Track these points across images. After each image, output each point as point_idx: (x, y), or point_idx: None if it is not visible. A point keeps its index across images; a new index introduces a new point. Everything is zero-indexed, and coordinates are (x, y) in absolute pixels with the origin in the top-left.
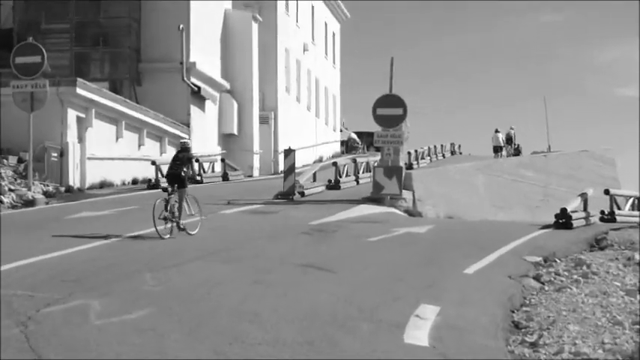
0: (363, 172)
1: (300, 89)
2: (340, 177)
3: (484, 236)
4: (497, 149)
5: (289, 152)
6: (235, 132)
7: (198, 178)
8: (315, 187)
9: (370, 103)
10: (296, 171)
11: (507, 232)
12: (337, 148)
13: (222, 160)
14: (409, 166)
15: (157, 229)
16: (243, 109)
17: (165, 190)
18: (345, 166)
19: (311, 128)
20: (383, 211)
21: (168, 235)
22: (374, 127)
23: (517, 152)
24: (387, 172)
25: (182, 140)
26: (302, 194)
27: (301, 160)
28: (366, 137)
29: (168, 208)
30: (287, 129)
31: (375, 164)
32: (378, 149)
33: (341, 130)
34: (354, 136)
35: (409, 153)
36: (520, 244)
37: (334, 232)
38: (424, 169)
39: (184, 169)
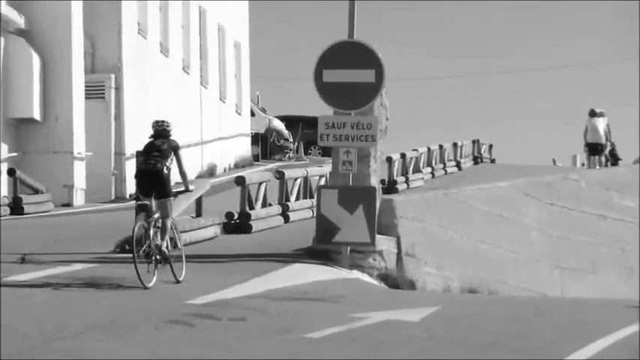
0: (297, 197)
1: (170, 32)
2: (253, 208)
3: (535, 334)
4: (595, 149)
5: None
6: (36, 116)
7: (191, 186)
8: (201, 227)
9: (310, 61)
10: None
11: (583, 324)
12: (246, 147)
13: (11, 174)
14: (389, 187)
15: (139, 274)
16: (51, 70)
17: (137, 199)
18: (262, 185)
19: (192, 109)
20: (337, 276)
21: (152, 282)
22: (317, 109)
23: (614, 158)
24: (346, 197)
25: (156, 120)
26: (174, 244)
27: (172, 172)
28: (303, 127)
29: (150, 234)
30: (143, 110)
31: (322, 182)
32: (326, 152)
33: (253, 114)
34: (279, 124)
35: (390, 160)
36: (610, 346)
37: (239, 320)
38: (420, 192)
39: (167, 165)
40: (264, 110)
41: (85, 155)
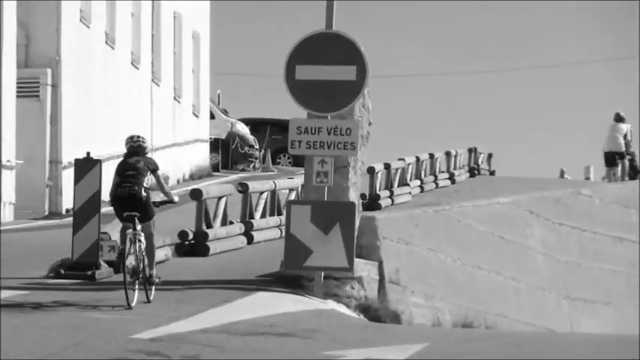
0: (264, 215)
1: (117, 21)
2: (211, 226)
3: None
4: (611, 159)
5: (88, 165)
6: None
7: (176, 198)
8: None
9: (281, 56)
10: (103, 211)
11: None
12: (204, 155)
13: None
14: (371, 203)
15: (127, 293)
16: None
17: (123, 220)
18: (222, 200)
19: (142, 110)
20: (309, 307)
21: (135, 301)
22: (288, 111)
23: (633, 170)
24: (320, 215)
25: (131, 135)
26: (118, 266)
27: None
28: (272, 133)
29: (136, 254)
30: (84, 111)
31: (292, 197)
32: (298, 161)
33: (213, 117)
34: (243, 129)
35: (372, 172)
36: None
37: (192, 359)
38: (407, 208)
39: (144, 186)
40: (225, 112)
41: (15, 164)
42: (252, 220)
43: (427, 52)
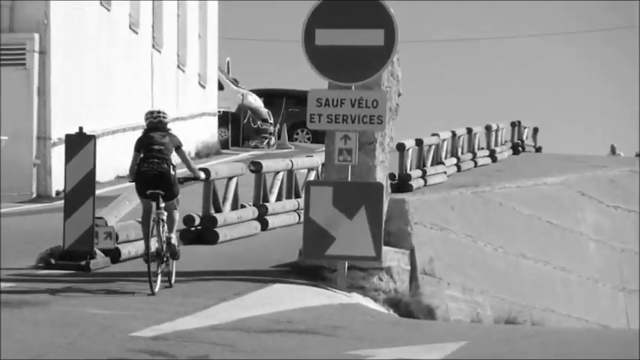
0: (279, 197)
1: None
2: (220, 210)
3: None
4: None
5: (81, 141)
6: None
7: (202, 174)
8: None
9: (298, 19)
10: (98, 194)
11: None
12: (212, 130)
13: None
14: (401, 184)
15: (150, 278)
16: None
17: (148, 197)
18: (232, 181)
19: (142, 80)
20: (332, 301)
21: (158, 286)
22: (306, 81)
23: None
24: (343, 197)
25: (151, 110)
26: (116, 255)
27: (114, 163)
28: (288, 105)
29: (161, 236)
30: (76, 81)
31: (311, 177)
32: (317, 137)
33: (221, 88)
34: (256, 101)
35: (402, 149)
36: None
37: (201, 359)
38: (442, 190)
39: (172, 163)
40: (236, 82)
41: (0, 140)
42: (266, 204)
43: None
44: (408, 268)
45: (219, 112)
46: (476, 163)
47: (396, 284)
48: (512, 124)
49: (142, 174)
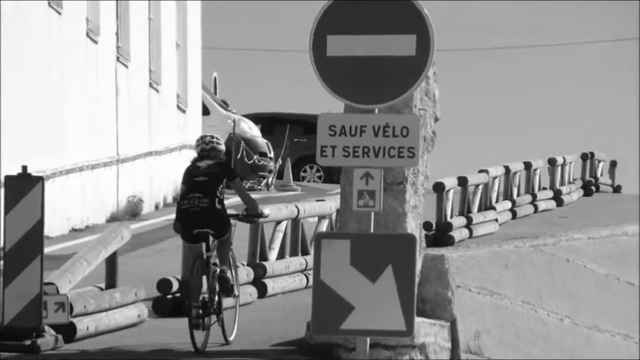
0: (282, 254)
1: None
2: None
3: None
4: None
5: (25, 184)
6: None
7: (266, 210)
8: (116, 307)
9: (305, 24)
10: (47, 253)
11: None
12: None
13: None
14: (440, 235)
15: (192, 334)
16: None
17: (193, 240)
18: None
19: (102, 102)
20: None
21: (204, 342)
22: (316, 103)
23: None
24: (364, 254)
25: (203, 135)
26: (70, 331)
27: (68, 212)
28: (293, 134)
29: (209, 283)
30: (19, 106)
31: (322, 228)
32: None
33: (207, 112)
34: (251, 128)
35: (441, 190)
36: None
37: None
38: (493, 243)
39: (218, 196)
40: (225, 105)
41: None
42: (264, 263)
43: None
44: (449, 345)
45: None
46: (536, 207)
47: None
48: (584, 157)
49: (182, 213)
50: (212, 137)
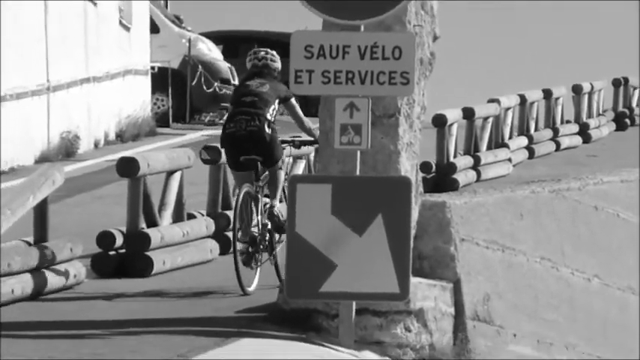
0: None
1: None
2: (156, 223)
3: None
4: None
5: None
6: None
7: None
8: (48, 265)
9: None
10: None
11: None
12: (143, 98)
13: None
14: (441, 179)
15: (239, 273)
16: None
17: (240, 168)
18: (173, 178)
19: (30, 19)
20: None
21: (254, 284)
22: (287, 20)
23: None
24: (349, 202)
25: (256, 49)
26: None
27: None
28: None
29: (258, 216)
30: None
31: (298, 170)
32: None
33: (156, 30)
34: (211, 50)
35: (442, 123)
36: None
37: None
38: (504, 188)
39: (268, 119)
40: (179, 21)
41: None
42: (227, 213)
43: None
44: (452, 310)
45: (152, 68)
46: (558, 144)
47: (432, 336)
48: (616, 83)
49: (227, 137)
50: (266, 53)
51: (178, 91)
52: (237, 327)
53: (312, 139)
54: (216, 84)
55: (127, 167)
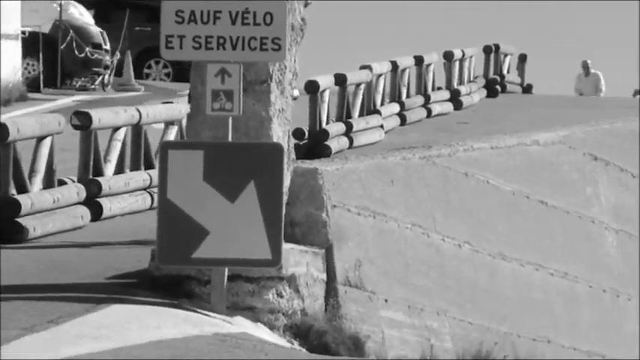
0: (120, 168)
1: None
2: (25, 189)
3: None
4: None
5: None
6: None
7: None
8: None
9: None
10: None
11: None
12: (13, 62)
13: None
14: (313, 145)
15: None
16: None
17: None
18: (43, 143)
19: None
20: (202, 331)
21: None
22: None
23: None
24: (221, 168)
25: None
26: None
27: None
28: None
29: None
30: None
31: (170, 136)
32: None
33: None
34: (82, 14)
35: (314, 90)
36: None
37: None
38: (376, 154)
39: None
40: None
41: None
42: (99, 179)
43: None
44: (324, 276)
45: (23, 33)
46: (429, 111)
47: (303, 302)
48: (487, 50)
49: None
50: None
51: (49, 55)
52: (109, 293)
53: None
54: (87, 49)
55: None
